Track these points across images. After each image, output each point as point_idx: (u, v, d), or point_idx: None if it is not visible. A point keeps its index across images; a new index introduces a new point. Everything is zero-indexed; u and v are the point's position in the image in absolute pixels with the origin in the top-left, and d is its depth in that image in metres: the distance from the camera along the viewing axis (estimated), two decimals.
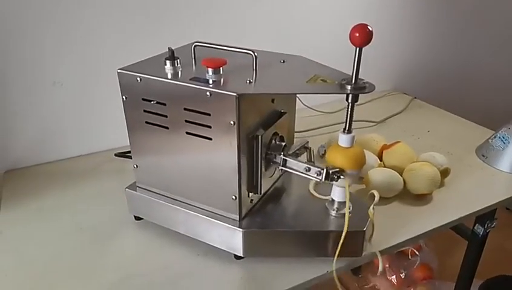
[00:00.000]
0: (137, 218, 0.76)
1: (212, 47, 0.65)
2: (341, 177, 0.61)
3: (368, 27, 0.52)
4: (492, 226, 1.02)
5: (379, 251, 0.68)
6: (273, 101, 0.68)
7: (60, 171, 0.94)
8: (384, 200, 0.83)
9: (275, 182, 0.74)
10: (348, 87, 0.56)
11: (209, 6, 1.02)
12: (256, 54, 0.63)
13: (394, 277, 1.48)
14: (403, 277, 1.47)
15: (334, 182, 0.62)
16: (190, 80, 0.60)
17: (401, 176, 0.84)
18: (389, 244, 0.72)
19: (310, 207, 0.70)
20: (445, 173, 0.87)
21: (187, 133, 0.62)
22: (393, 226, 0.76)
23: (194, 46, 0.68)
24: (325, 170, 0.61)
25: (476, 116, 1.22)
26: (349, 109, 0.59)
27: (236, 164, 0.60)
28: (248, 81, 0.60)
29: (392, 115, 1.23)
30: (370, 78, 0.58)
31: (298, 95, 0.79)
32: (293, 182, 0.76)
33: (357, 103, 0.59)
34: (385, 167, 0.88)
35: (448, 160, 0.90)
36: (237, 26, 1.09)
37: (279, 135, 0.68)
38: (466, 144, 1.06)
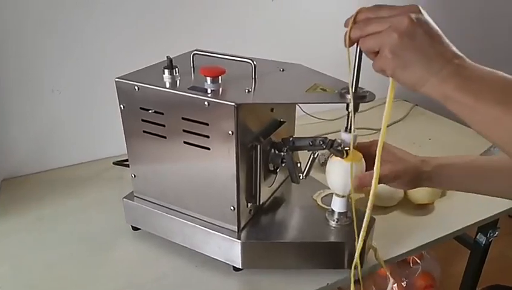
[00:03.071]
0: (135, 228, 0.75)
1: (211, 56, 0.65)
2: (345, 149, 0.59)
3: None
4: (495, 235, 1.01)
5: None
6: (272, 110, 0.67)
7: (59, 179, 0.94)
8: (384, 209, 0.82)
9: (274, 192, 0.73)
10: (348, 96, 0.55)
11: (209, 15, 1.02)
12: (255, 62, 0.62)
13: (395, 285, 1.46)
14: (404, 285, 1.46)
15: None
16: (189, 89, 0.59)
17: None
18: (390, 255, 0.71)
19: (309, 218, 0.69)
20: None
21: (185, 142, 0.62)
22: (394, 236, 0.75)
23: (193, 55, 0.67)
24: (328, 139, 0.60)
25: None
26: (350, 119, 0.58)
27: (235, 174, 0.60)
28: (247, 91, 0.59)
29: (393, 122, 1.22)
30: (370, 85, 0.57)
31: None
32: (293, 192, 0.75)
33: (358, 111, 0.58)
34: None
35: None
36: (237, 34, 1.08)
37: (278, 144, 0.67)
38: (468, 152, 1.04)
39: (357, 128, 0.61)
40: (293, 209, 0.71)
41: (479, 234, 1.02)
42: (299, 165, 0.68)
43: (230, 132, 0.57)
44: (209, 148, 0.60)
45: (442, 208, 0.83)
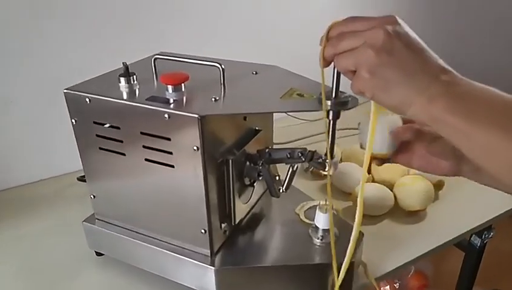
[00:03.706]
0: (98, 254, 0.67)
1: (174, 60, 0.57)
2: (326, 161, 0.53)
3: None
4: (490, 236, 0.96)
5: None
6: (245, 118, 0.60)
7: (17, 199, 0.85)
8: (373, 218, 0.76)
9: (252, 207, 0.66)
10: (328, 102, 0.48)
11: (176, 14, 0.94)
12: (223, 66, 0.55)
13: (388, 287, 1.41)
14: (397, 287, 1.41)
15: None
16: (147, 99, 0.52)
17: (392, 191, 0.77)
18: (382, 271, 0.65)
19: (291, 236, 0.62)
20: (438, 185, 0.80)
21: (146, 160, 0.54)
22: (385, 249, 0.69)
23: (154, 59, 0.59)
24: (308, 151, 0.55)
25: None
26: (330, 127, 0.51)
27: (203, 194, 0.53)
28: (214, 99, 0.52)
29: None
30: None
31: None
32: (273, 205, 0.68)
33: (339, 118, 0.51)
34: (374, 181, 0.81)
35: None
36: (208, 35, 1.00)
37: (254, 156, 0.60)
38: None
39: (340, 129, 0.55)
40: (273, 226, 0.65)
41: (474, 236, 0.97)
42: (278, 178, 0.62)
43: (195, 147, 0.50)
44: (173, 166, 0.53)
45: (435, 214, 0.77)
